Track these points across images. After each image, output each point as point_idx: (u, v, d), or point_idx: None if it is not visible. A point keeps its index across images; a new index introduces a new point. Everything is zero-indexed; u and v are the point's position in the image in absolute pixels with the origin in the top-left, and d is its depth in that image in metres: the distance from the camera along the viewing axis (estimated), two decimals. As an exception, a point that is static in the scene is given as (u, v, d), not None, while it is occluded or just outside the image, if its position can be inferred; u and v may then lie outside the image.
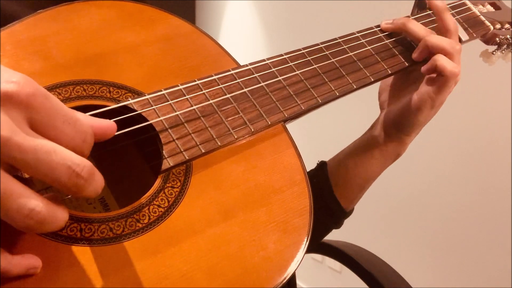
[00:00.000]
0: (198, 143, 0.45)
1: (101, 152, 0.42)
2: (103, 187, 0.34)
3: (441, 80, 0.57)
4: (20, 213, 0.29)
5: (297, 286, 0.74)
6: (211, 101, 0.47)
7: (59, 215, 0.32)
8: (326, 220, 0.70)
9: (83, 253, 0.36)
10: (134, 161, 0.51)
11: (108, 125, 0.36)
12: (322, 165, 0.72)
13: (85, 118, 0.35)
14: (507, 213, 1.34)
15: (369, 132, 0.69)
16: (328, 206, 0.69)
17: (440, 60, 0.56)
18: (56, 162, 0.30)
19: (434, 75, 0.58)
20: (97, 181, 0.33)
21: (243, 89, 0.50)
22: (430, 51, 0.58)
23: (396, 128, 0.64)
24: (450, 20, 0.60)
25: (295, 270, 0.41)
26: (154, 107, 0.45)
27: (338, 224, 0.72)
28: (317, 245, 0.91)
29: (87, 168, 0.32)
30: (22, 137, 0.29)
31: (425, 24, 0.63)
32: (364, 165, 0.67)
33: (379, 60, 0.59)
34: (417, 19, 0.64)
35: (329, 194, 0.69)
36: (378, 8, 1.53)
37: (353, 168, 0.68)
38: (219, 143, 0.45)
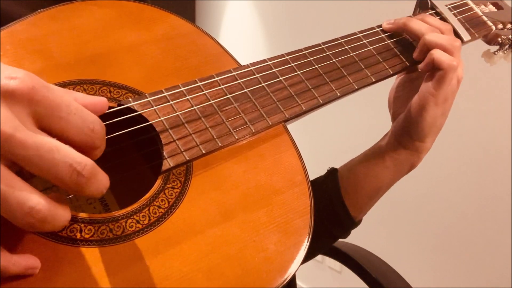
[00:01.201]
0: (199, 144, 0.44)
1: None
2: (108, 187, 0.33)
3: (439, 74, 0.56)
4: (21, 211, 0.29)
5: (297, 286, 0.74)
6: (211, 102, 0.47)
7: (60, 214, 0.31)
8: (334, 229, 0.68)
9: (83, 254, 0.36)
10: (135, 162, 0.51)
11: (99, 101, 0.36)
12: (332, 171, 0.70)
13: (83, 96, 0.35)
14: (507, 213, 1.34)
15: (381, 141, 0.67)
16: (336, 215, 0.67)
17: (436, 53, 0.55)
18: (58, 160, 0.30)
19: (441, 73, 0.56)
20: (100, 180, 0.33)
21: (244, 89, 0.49)
22: (429, 49, 0.57)
23: (407, 134, 0.62)
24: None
25: (296, 271, 0.41)
26: (154, 107, 0.45)
27: (345, 233, 0.69)
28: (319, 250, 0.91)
29: (88, 166, 0.31)
30: (25, 133, 0.29)
31: None
32: (376, 174, 0.65)
33: (381, 60, 0.59)
34: None
35: (339, 202, 0.67)
36: (379, 8, 1.53)
37: (364, 176, 0.66)
38: (219, 144, 0.45)
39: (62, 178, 0.31)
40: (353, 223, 0.68)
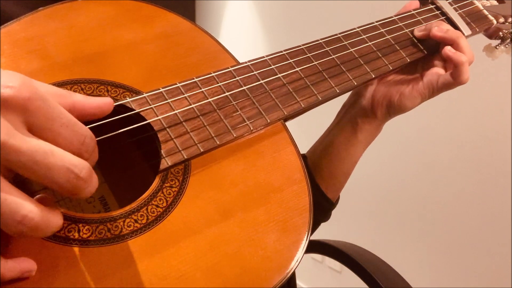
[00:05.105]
0: (197, 142, 0.44)
1: (101, 150, 0.42)
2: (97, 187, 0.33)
3: (451, 86, 0.59)
4: (13, 219, 0.29)
5: (297, 286, 0.73)
6: (209, 100, 0.47)
7: (53, 221, 0.31)
8: (315, 215, 0.70)
9: (81, 254, 0.36)
10: (134, 160, 0.51)
11: (104, 102, 0.36)
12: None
13: (83, 99, 0.35)
14: (507, 213, 1.34)
15: (350, 115, 0.67)
16: (315, 201, 0.68)
17: (467, 74, 0.58)
18: (53, 164, 0.30)
19: (452, 81, 0.59)
20: (94, 182, 0.32)
21: (242, 87, 0.49)
22: (447, 43, 0.59)
23: (387, 109, 0.63)
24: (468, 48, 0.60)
25: (295, 269, 0.41)
26: (152, 106, 0.44)
27: (326, 216, 0.71)
28: (316, 245, 0.91)
29: (86, 169, 0.31)
30: (19, 139, 0.29)
31: (428, 19, 0.63)
32: (350, 153, 0.67)
33: (380, 56, 0.58)
34: (419, 14, 0.64)
35: (315, 188, 0.68)
36: (378, 5, 1.53)
37: (338, 159, 0.67)
38: (218, 142, 0.45)
39: (59, 182, 0.30)
40: (332, 204, 0.69)
